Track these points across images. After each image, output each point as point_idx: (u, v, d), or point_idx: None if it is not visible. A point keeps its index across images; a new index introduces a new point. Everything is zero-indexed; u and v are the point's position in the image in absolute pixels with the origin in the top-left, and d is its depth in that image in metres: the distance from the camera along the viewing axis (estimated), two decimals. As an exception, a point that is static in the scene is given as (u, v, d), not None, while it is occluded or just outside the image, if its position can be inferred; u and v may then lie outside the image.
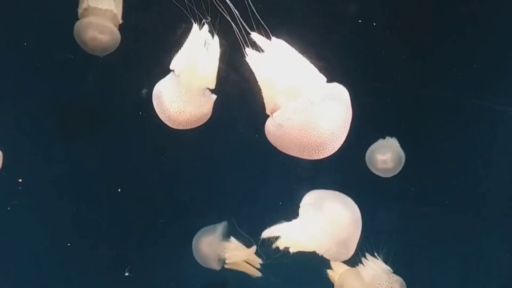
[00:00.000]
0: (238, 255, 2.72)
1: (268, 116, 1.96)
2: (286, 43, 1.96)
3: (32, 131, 3.00)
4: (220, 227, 2.81)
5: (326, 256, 2.19)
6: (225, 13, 2.05)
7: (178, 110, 2.14)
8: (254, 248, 2.70)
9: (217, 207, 3.08)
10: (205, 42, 2.09)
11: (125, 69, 2.87)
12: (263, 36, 1.94)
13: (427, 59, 3.00)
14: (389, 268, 2.42)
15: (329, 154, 1.93)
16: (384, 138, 2.92)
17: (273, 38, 1.94)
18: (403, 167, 2.89)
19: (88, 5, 2.55)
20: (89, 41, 2.55)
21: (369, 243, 2.38)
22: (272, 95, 1.94)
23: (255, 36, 1.95)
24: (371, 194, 2.90)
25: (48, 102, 2.98)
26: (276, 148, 1.96)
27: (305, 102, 1.87)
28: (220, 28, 2.10)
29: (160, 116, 2.22)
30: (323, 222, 2.18)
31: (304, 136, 1.88)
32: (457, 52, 2.96)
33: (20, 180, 2.94)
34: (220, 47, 2.09)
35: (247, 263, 2.75)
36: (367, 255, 2.36)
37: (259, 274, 2.77)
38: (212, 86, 2.18)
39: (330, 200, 2.27)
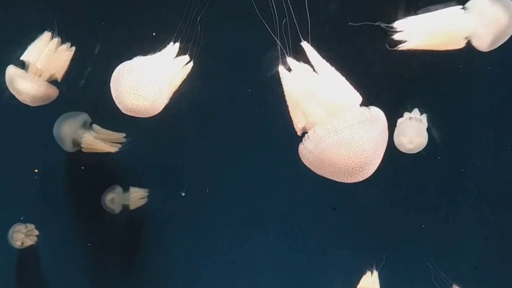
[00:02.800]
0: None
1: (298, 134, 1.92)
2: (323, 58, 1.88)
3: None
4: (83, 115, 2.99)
5: None
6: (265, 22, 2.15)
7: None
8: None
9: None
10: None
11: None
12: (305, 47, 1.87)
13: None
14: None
15: (363, 179, 1.88)
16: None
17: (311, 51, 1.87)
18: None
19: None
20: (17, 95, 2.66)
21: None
22: (305, 112, 1.85)
23: (305, 45, 1.88)
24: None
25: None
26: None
27: (340, 122, 1.77)
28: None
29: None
30: None
31: (338, 159, 1.78)
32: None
33: (36, 171, 3.09)
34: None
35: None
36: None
37: (116, 148, 2.92)
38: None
39: None
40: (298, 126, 1.92)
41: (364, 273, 2.77)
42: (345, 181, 1.87)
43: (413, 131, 2.75)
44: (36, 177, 3.10)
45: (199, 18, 2.60)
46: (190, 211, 3.18)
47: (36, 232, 3.09)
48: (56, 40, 2.63)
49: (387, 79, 2.96)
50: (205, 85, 2.94)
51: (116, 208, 3.08)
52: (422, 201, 3.07)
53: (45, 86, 2.63)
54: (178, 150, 3.18)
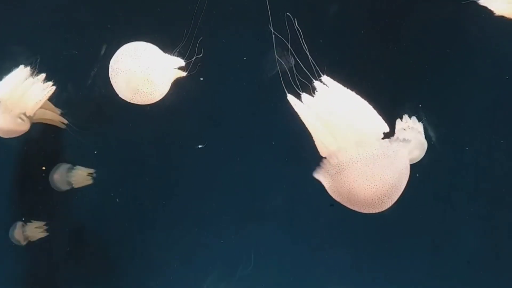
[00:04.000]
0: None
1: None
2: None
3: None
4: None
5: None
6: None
7: None
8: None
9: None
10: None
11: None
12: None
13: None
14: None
15: (380, 211, 1.84)
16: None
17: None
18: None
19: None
20: None
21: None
22: (328, 138, 1.80)
23: (325, 78, 1.83)
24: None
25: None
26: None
27: (365, 152, 1.72)
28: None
29: None
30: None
31: (359, 190, 1.73)
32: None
33: (43, 168, 3.12)
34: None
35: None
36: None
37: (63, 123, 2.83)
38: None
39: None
40: (322, 149, 1.84)
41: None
42: (362, 211, 1.82)
43: (412, 142, 2.61)
44: (43, 175, 3.13)
45: (200, 19, 2.63)
46: (191, 207, 3.21)
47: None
48: (32, 78, 2.44)
49: (384, 78, 3.02)
50: (206, 84, 2.98)
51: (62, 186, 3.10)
52: (417, 198, 3.07)
53: (14, 122, 2.46)
54: (180, 148, 3.21)
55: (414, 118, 2.66)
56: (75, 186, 3.12)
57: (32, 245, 3.17)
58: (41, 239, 3.16)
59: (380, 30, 3.04)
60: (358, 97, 1.83)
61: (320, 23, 2.97)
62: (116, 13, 3.06)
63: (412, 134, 2.60)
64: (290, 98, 1.85)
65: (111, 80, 2.29)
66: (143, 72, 2.24)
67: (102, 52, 2.95)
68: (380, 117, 1.79)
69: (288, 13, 2.27)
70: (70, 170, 3.12)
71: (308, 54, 2.02)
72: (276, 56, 2.24)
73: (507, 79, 3.01)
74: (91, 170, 3.13)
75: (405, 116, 2.48)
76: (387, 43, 3.04)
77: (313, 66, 1.92)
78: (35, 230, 3.14)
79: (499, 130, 3.08)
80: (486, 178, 3.12)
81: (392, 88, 3.03)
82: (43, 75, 2.38)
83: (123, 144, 3.19)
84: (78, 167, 3.12)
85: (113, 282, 3.28)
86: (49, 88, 2.42)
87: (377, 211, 1.81)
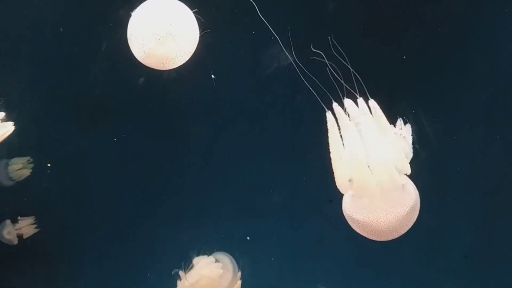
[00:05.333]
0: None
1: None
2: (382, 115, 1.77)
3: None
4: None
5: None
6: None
7: None
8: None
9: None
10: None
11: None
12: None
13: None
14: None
15: (390, 239, 1.88)
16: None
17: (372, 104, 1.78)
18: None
19: None
20: None
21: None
22: (352, 172, 1.76)
23: (372, 103, 1.77)
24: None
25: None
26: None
27: (387, 197, 1.74)
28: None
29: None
30: None
31: (375, 225, 1.77)
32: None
33: (49, 165, 3.14)
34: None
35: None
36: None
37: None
38: None
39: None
40: (341, 182, 1.83)
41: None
42: (373, 239, 1.86)
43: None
44: (48, 171, 3.16)
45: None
46: (193, 204, 3.24)
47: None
48: None
49: (382, 77, 3.02)
50: (206, 81, 3.00)
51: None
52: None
53: None
54: (180, 145, 3.23)
55: (407, 127, 2.63)
56: (17, 179, 3.11)
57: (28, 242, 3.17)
58: (35, 236, 3.18)
59: (379, 28, 3.07)
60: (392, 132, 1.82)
61: (319, 19, 3.00)
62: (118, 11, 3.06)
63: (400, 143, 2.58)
64: (329, 117, 1.77)
65: (131, 35, 2.12)
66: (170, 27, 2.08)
67: (103, 48, 2.99)
68: (404, 157, 1.79)
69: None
70: (7, 165, 3.11)
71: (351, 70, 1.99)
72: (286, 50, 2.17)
73: (505, 75, 3.04)
74: (26, 158, 3.09)
75: (400, 121, 2.46)
76: (387, 41, 3.07)
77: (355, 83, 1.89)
78: (27, 227, 3.13)
79: (495, 125, 3.10)
80: (482, 173, 3.13)
81: (390, 85, 3.05)
82: (2, 114, 2.23)
83: (124, 140, 3.20)
84: (14, 160, 3.11)
85: (115, 276, 3.30)
86: (8, 128, 2.27)
87: (388, 239, 1.86)
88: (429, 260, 3.14)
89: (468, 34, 3.03)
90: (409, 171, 1.81)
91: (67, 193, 3.24)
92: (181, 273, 2.65)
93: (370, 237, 1.86)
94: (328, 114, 1.76)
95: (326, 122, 1.76)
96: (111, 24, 2.99)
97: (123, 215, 3.24)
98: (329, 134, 1.78)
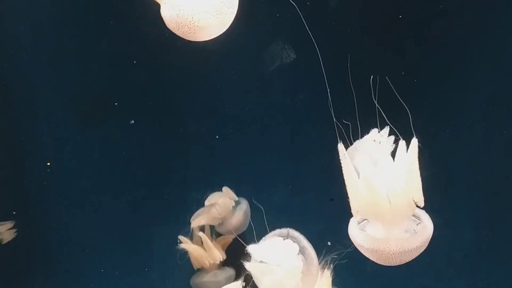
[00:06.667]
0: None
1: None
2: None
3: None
4: None
5: None
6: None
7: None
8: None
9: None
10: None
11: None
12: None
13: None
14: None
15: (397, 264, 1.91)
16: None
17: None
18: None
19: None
20: None
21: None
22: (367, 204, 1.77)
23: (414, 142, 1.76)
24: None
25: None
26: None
27: (398, 231, 1.78)
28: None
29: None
30: None
31: (384, 255, 1.80)
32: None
33: (48, 164, 3.13)
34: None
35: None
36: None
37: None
38: None
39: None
40: (356, 210, 1.84)
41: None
42: (380, 264, 1.90)
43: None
44: (48, 170, 3.15)
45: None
46: (193, 201, 3.15)
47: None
48: None
49: (382, 77, 3.04)
50: (207, 79, 3.04)
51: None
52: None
53: None
54: (181, 143, 3.23)
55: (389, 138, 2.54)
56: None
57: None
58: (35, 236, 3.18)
59: (379, 26, 3.06)
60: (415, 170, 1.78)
61: (321, 17, 2.99)
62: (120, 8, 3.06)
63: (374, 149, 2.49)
64: (341, 148, 1.77)
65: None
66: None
67: (103, 47, 3.01)
68: (421, 189, 1.78)
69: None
70: None
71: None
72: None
73: (505, 74, 3.04)
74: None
75: (386, 129, 2.40)
76: (386, 39, 3.07)
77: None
78: (7, 233, 3.09)
79: (496, 123, 3.10)
80: (483, 171, 3.13)
81: (390, 84, 3.06)
82: None
83: (124, 140, 3.20)
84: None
85: (115, 275, 3.29)
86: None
87: (395, 264, 1.89)
88: (429, 259, 3.08)
89: (468, 34, 3.04)
90: (422, 204, 1.81)
91: (67, 192, 3.23)
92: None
93: (377, 261, 1.89)
94: (340, 146, 1.76)
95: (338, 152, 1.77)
96: (111, 22, 3.03)
97: (123, 214, 3.23)
98: (343, 165, 1.77)
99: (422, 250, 1.90)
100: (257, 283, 1.86)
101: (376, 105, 1.83)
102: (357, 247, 1.89)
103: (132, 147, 3.18)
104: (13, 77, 3.02)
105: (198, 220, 2.88)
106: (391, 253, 1.78)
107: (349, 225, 1.89)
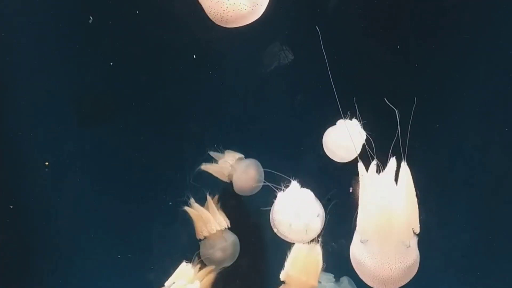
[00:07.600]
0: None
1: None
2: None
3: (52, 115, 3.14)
4: None
5: None
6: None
7: None
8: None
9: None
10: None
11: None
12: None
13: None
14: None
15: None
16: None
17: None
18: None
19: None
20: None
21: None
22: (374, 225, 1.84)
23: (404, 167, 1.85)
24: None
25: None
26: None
27: (397, 254, 1.86)
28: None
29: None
30: None
31: (380, 274, 1.89)
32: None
33: (46, 163, 3.12)
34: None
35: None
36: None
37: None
38: None
39: None
40: (362, 232, 1.91)
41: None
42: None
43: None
44: (46, 169, 3.15)
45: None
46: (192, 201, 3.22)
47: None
48: None
49: (381, 76, 3.05)
50: (207, 78, 3.04)
51: None
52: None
53: None
54: (181, 143, 3.23)
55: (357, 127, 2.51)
56: None
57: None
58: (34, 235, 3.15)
59: (379, 25, 3.08)
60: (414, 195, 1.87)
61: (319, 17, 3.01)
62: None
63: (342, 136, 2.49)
64: (360, 167, 1.83)
65: None
66: None
67: (103, 45, 3.00)
68: (418, 217, 1.86)
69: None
70: None
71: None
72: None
73: (504, 74, 3.06)
74: None
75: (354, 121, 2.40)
76: (385, 38, 3.09)
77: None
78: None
79: (495, 123, 3.12)
80: (481, 173, 3.16)
81: (390, 83, 3.06)
82: None
83: (124, 140, 3.21)
84: None
85: (112, 275, 3.30)
86: None
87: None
88: (426, 259, 3.12)
89: (468, 34, 3.05)
90: (418, 231, 1.91)
91: (65, 192, 3.23)
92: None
93: (372, 284, 1.95)
94: (360, 165, 1.82)
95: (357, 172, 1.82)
96: (110, 22, 3.03)
97: (122, 214, 3.23)
98: (361, 184, 1.84)
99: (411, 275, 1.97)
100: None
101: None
102: (357, 266, 1.94)
103: (131, 147, 3.19)
104: (12, 77, 3.02)
105: (207, 167, 2.92)
106: (387, 271, 1.86)
107: (351, 244, 1.96)
